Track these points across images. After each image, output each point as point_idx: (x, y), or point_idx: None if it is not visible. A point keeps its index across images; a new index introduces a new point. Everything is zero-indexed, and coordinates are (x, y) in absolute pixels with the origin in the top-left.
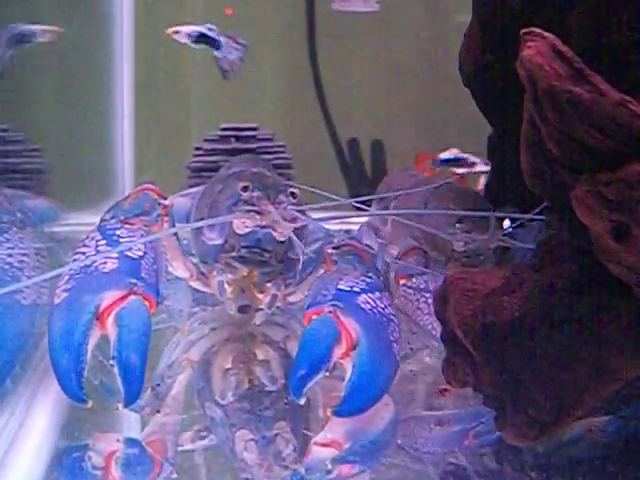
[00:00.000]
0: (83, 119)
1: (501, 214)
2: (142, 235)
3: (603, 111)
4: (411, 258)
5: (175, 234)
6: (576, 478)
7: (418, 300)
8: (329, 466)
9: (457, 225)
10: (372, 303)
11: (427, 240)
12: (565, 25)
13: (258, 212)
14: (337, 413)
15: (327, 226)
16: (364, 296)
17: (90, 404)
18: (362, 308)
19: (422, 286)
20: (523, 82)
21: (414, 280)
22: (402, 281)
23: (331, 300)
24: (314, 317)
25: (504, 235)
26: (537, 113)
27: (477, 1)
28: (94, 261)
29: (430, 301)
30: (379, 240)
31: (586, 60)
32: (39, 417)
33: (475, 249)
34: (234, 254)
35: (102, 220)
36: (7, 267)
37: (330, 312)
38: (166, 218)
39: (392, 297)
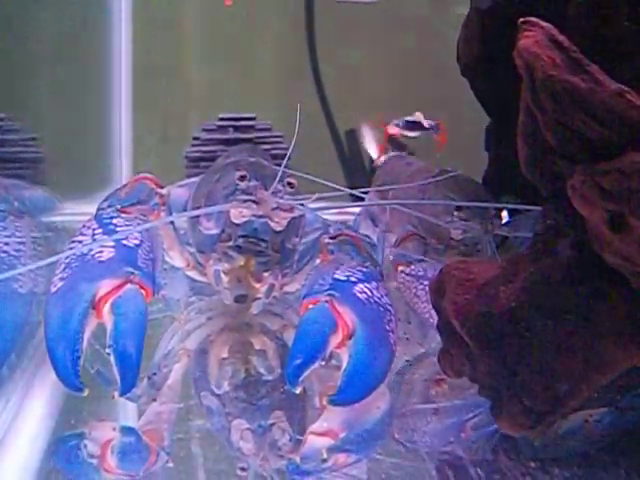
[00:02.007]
0: (81, 108)
1: (500, 205)
2: (139, 224)
3: (600, 101)
4: (409, 244)
5: (172, 223)
6: (573, 469)
7: (416, 287)
8: (325, 455)
9: (455, 213)
10: (368, 293)
11: (425, 228)
12: (563, 15)
13: (255, 202)
14: (333, 402)
15: (325, 216)
16: (360, 286)
17: (86, 392)
18: (358, 298)
19: (420, 273)
20: (520, 71)
21: (412, 267)
22: (400, 268)
23: (328, 290)
24: (310, 306)
25: (502, 225)
26: (534, 102)
27: None
28: (91, 250)
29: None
30: (380, 227)
31: (584, 50)
32: (35, 405)
33: (473, 237)
34: (231, 243)
35: (99, 209)
36: (4, 255)
37: (326, 302)
38: (163, 207)
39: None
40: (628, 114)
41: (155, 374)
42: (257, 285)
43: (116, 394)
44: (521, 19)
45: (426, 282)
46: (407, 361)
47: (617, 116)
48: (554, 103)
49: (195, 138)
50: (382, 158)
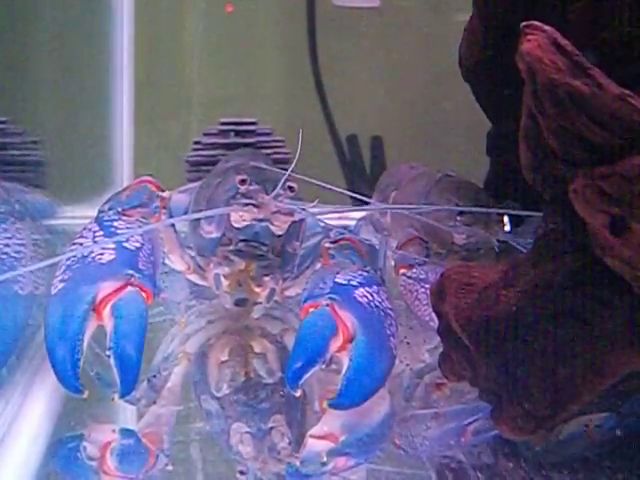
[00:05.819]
0: (82, 112)
1: (502, 210)
2: (140, 227)
3: (602, 105)
4: (411, 248)
5: (173, 227)
6: (573, 474)
7: (417, 291)
8: (325, 459)
9: (458, 218)
10: (369, 297)
11: (427, 232)
12: (565, 19)
13: (256, 205)
14: (333, 406)
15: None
16: (361, 290)
17: (86, 395)
18: (359, 302)
19: (422, 276)
20: (523, 75)
21: (414, 270)
22: (402, 271)
23: (328, 293)
24: (311, 310)
25: (504, 232)
26: (536, 107)
27: None
28: (91, 252)
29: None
30: (383, 232)
31: (586, 54)
32: (35, 407)
33: (475, 242)
34: (231, 247)
35: (100, 212)
36: (4, 257)
37: (327, 305)
38: (164, 210)
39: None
40: (631, 118)
41: (155, 377)
42: (258, 289)
43: (116, 396)
44: (524, 23)
45: (427, 286)
46: (407, 365)
47: (620, 120)
48: (556, 107)
49: (196, 142)
50: None
